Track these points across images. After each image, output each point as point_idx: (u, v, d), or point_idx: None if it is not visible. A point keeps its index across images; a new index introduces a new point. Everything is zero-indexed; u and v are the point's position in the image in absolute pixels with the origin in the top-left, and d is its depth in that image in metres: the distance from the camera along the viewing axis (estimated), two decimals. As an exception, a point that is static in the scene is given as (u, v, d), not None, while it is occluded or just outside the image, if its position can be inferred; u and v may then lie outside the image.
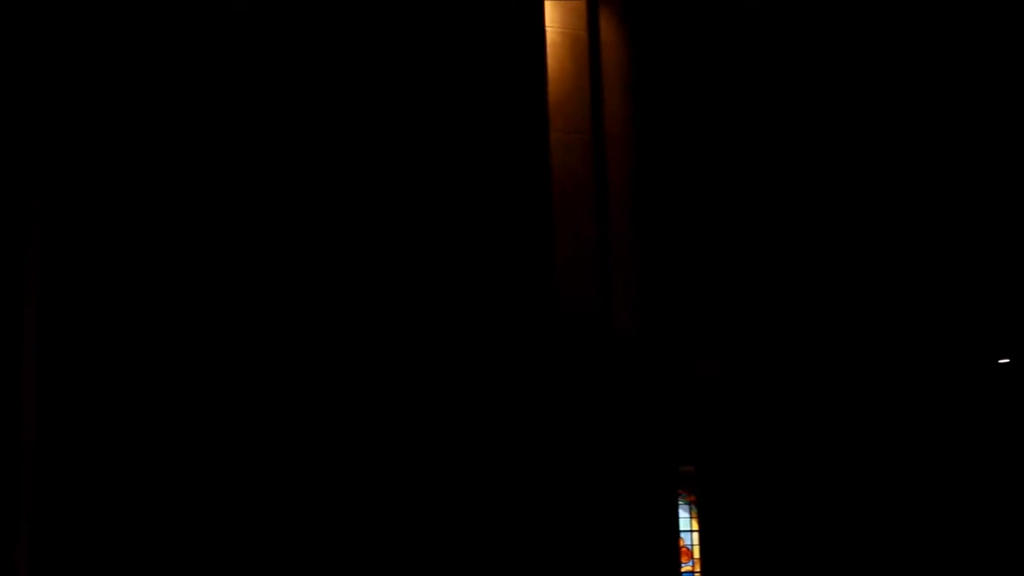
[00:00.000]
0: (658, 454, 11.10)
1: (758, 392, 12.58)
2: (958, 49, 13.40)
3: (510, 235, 10.69)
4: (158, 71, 10.12)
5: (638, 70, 12.02)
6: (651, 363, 11.28)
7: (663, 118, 12.45)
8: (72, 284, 9.61)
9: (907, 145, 13.23)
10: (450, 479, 10.16)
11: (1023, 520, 13.04)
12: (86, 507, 9.42)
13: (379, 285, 10.34)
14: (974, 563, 12.93)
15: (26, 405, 9.16)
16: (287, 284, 10.06)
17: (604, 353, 11.01)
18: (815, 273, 12.95)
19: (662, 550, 11.24)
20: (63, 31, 9.89)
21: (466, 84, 10.82)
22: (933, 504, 13.05)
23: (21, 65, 9.51)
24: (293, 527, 9.72)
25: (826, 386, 12.80)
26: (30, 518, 9.12)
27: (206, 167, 10.08)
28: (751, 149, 12.89)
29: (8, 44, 9.48)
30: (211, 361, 9.79)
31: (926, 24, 13.35)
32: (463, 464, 10.20)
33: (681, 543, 13.18)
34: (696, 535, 13.44)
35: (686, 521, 13.52)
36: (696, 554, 13.44)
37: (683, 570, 13.08)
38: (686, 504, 13.38)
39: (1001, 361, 13.38)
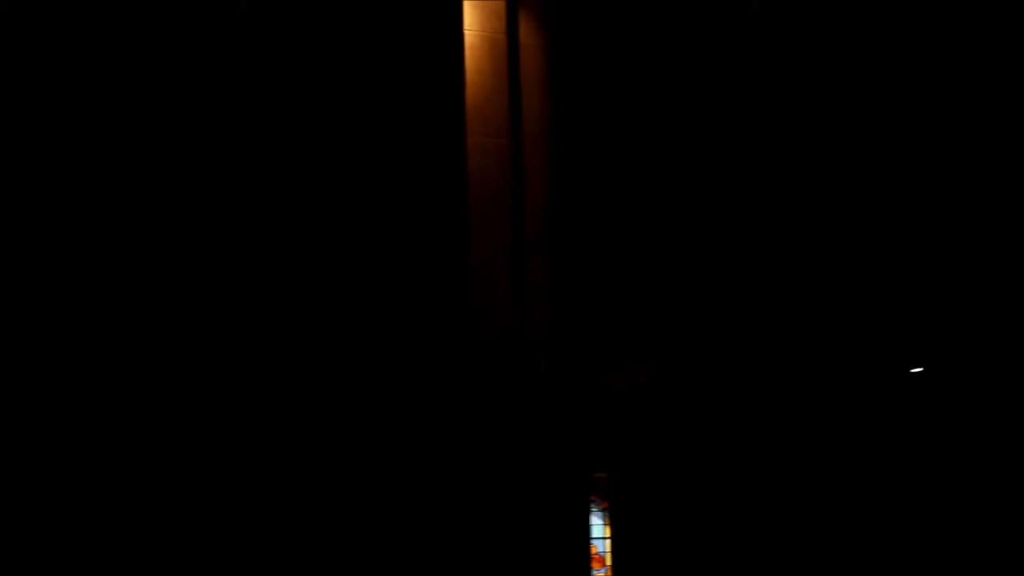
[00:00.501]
0: (570, 461, 11.22)
1: (667, 400, 12.77)
2: (891, 46, 13.66)
3: (425, 239, 10.74)
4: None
5: (557, 74, 12.13)
6: (564, 369, 11.41)
7: (582, 122, 12.58)
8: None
9: (819, 154, 13.47)
10: (356, 488, 10.16)
11: (931, 522, 13.38)
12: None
13: (285, 290, 10.33)
14: (880, 563, 13.25)
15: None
16: (185, 289, 10.03)
17: (518, 358, 11.11)
18: (724, 284, 13.15)
19: (574, 557, 11.36)
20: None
21: (382, 86, 10.81)
22: (838, 507, 13.35)
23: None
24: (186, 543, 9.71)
25: (734, 394, 13.02)
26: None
27: (120, 166, 10.04)
28: (667, 156, 13.07)
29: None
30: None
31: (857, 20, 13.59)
32: (369, 473, 10.22)
33: (594, 550, 13.32)
34: (609, 542, 13.60)
35: (600, 528, 13.65)
36: (608, 561, 13.60)
37: (595, 577, 13.22)
38: (599, 511, 13.53)
39: (913, 370, 13.68)
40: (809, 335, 13.24)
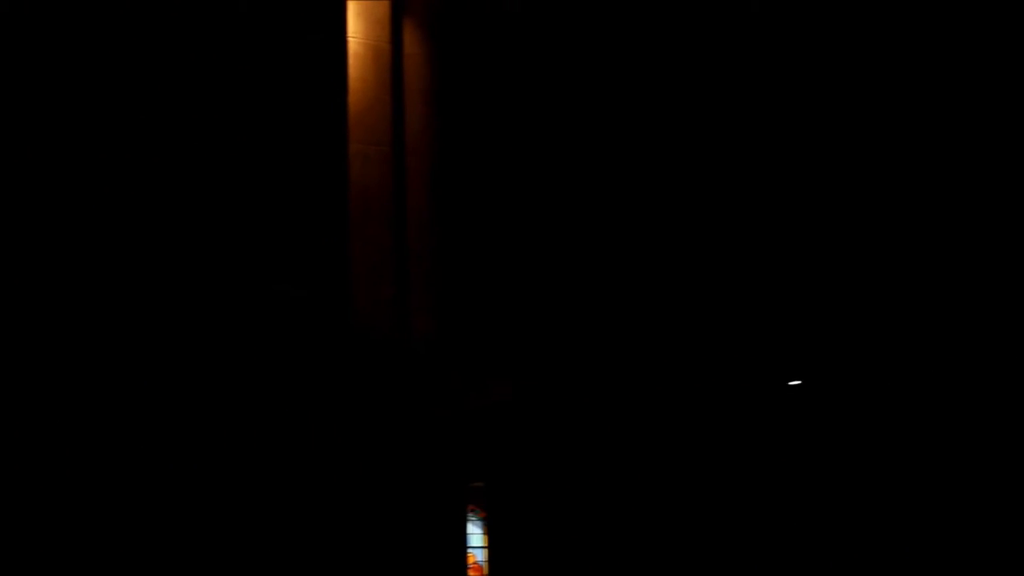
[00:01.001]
0: (448, 469, 11.41)
1: (542, 409, 12.96)
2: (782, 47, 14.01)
3: (305, 246, 10.81)
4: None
5: (441, 83, 12.34)
6: (444, 377, 11.60)
7: (464, 131, 12.77)
8: None
9: (690, 164, 13.73)
10: (231, 497, 10.20)
11: (811, 533, 13.75)
12: None
13: (169, 293, 10.34)
14: (752, 568, 13.60)
15: None
16: (62, 290, 10.03)
17: (399, 366, 11.28)
18: (597, 296, 13.35)
19: (451, 566, 11.53)
20: None
21: (263, 92, 10.85)
22: (715, 516, 13.65)
23: None
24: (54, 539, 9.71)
25: (610, 406, 13.24)
26: None
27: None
28: (549, 170, 13.26)
29: None
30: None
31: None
32: (244, 480, 10.27)
33: (472, 559, 13.51)
34: (487, 551, 13.77)
35: (478, 537, 13.81)
36: (487, 570, 13.76)
37: (473, 586, 13.40)
38: (477, 520, 13.70)
39: (792, 383, 14.01)
40: (684, 349, 13.53)
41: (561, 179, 13.27)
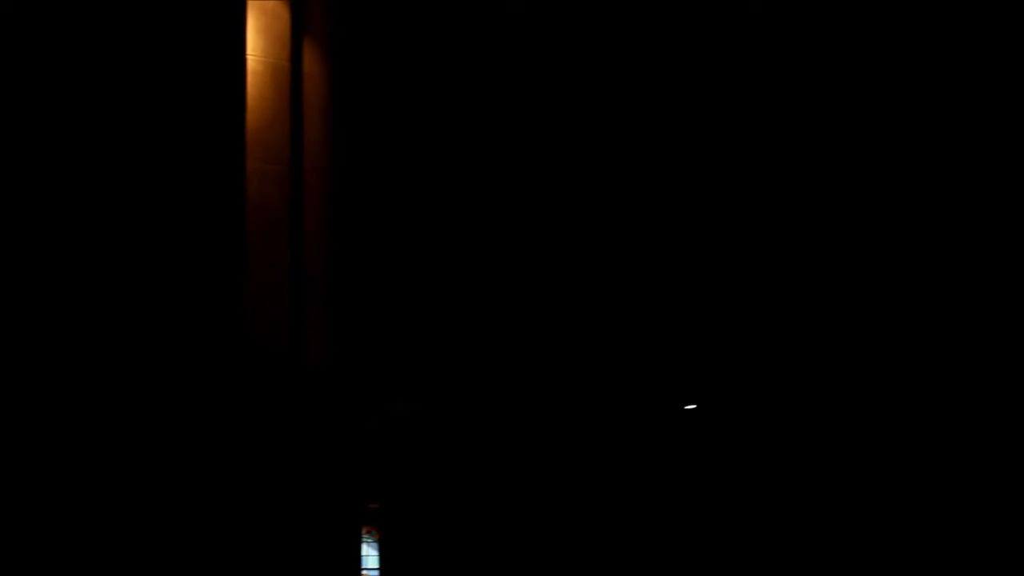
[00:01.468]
0: (342, 491, 11.50)
1: (435, 431, 13.11)
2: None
3: (201, 266, 10.84)
4: None
5: (340, 101, 12.44)
6: (339, 398, 11.69)
7: (363, 150, 12.91)
8: None
9: (587, 207, 13.97)
10: (119, 519, 10.19)
11: (707, 552, 14.05)
12: None
13: (57, 308, 10.31)
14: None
15: None
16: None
17: (295, 386, 11.34)
18: (503, 319, 13.56)
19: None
20: None
21: (160, 109, 10.86)
22: (611, 537, 13.90)
23: None
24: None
25: (508, 427, 13.44)
26: None
27: None
28: (448, 190, 13.44)
29: None
30: None
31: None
32: (134, 504, 10.26)
33: (367, 581, 13.59)
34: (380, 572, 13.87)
35: (373, 558, 13.90)
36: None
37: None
38: (372, 541, 13.78)
39: (688, 407, 14.32)
40: (583, 372, 13.75)
41: (459, 199, 13.44)
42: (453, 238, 13.30)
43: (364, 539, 13.14)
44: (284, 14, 12.05)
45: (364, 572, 13.22)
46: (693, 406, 14.39)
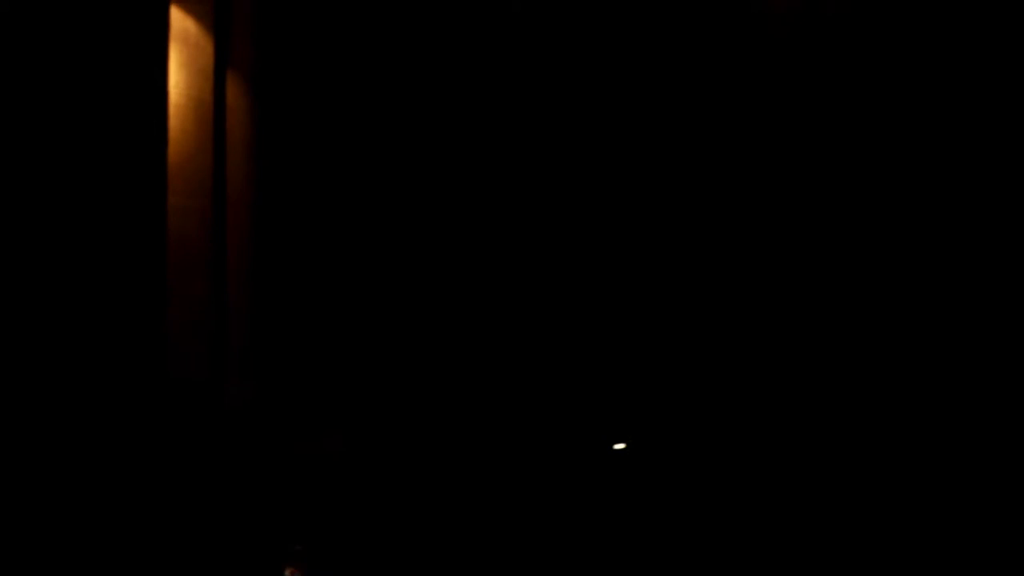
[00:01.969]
0: (265, 531, 11.46)
1: (362, 469, 13.08)
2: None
3: (121, 301, 10.82)
4: None
5: (262, 135, 12.50)
6: (261, 433, 11.70)
7: (286, 184, 12.92)
8: None
9: (512, 224, 14.03)
10: (41, 551, 10.13)
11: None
12: None
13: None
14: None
15: None
16: None
17: (214, 421, 11.34)
18: (429, 353, 13.56)
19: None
20: None
21: (82, 145, 10.83)
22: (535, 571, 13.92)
23: None
24: None
25: (435, 464, 13.43)
26: None
27: None
28: (370, 225, 13.46)
29: None
30: None
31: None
32: (57, 530, 10.20)
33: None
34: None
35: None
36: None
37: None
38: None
39: (617, 447, 14.39)
40: (511, 409, 13.79)
41: (381, 234, 13.49)
42: (377, 270, 13.35)
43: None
44: (207, 48, 12.12)
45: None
46: (622, 445, 14.46)
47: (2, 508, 10.00)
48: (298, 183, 13.04)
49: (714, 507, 14.27)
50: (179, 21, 11.78)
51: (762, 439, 14.50)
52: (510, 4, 14.09)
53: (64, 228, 10.69)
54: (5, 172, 10.57)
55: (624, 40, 14.68)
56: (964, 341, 14.36)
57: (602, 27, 14.63)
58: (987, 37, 15.08)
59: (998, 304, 14.53)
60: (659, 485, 14.29)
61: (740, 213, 14.73)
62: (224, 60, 12.21)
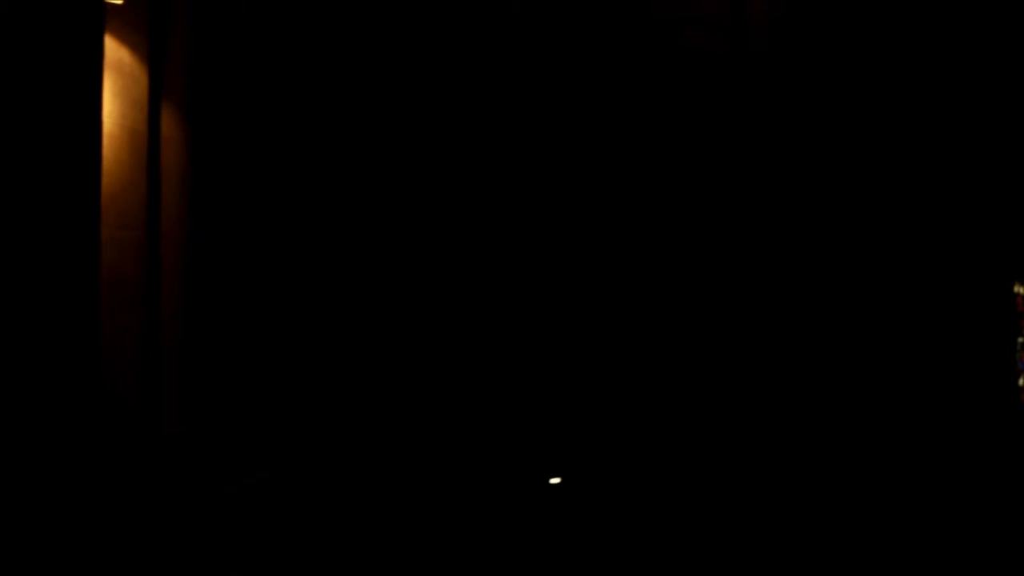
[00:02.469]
0: (198, 569, 11.47)
1: (296, 505, 13.12)
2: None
3: (53, 335, 10.80)
4: None
5: (198, 166, 12.54)
6: (194, 470, 11.69)
7: (222, 216, 12.95)
8: None
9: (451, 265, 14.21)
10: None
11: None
12: None
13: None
14: None
15: None
16: None
17: (146, 457, 11.32)
18: (362, 386, 13.64)
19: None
20: None
21: (10, 175, 10.83)
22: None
23: None
24: None
25: (369, 502, 13.50)
26: None
27: None
28: (306, 258, 13.53)
29: None
30: None
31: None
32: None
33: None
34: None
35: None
36: None
37: None
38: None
39: (552, 481, 14.50)
40: (444, 445, 13.88)
41: (317, 268, 13.56)
42: (312, 305, 13.41)
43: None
44: (142, 77, 12.17)
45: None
46: (557, 480, 14.57)
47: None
48: (233, 215, 13.08)
49: (652, 542, 14.44)
50: (113, 51, 11.82)
51: (700, 474, 14.71)
52: (427, 49, 14.26)
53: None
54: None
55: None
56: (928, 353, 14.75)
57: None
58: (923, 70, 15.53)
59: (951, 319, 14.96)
60: (597, 521, 14.42)
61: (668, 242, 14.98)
62: (159, 90, 12.25)
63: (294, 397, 13.10)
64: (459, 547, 13.86)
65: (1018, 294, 18.03)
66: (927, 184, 15.32)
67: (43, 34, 11.12)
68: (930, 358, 15.05)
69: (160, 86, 12.25)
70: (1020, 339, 17.77)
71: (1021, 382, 17.74)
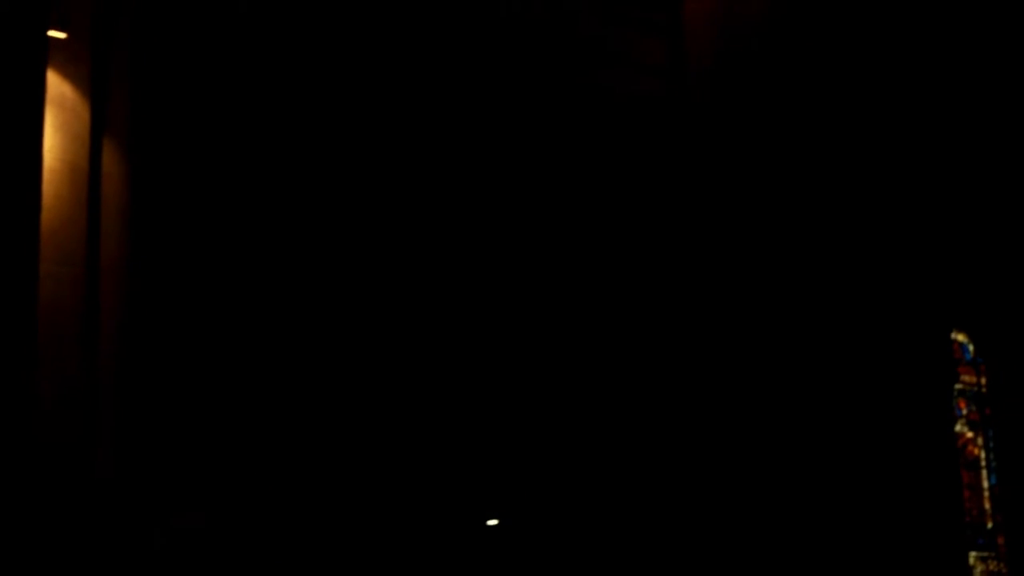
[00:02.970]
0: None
1: (225, 544, 13.06)
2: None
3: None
4: None
5: (138, 202, 12.59)
6: (127, 509, 11.69)
7: (162, 253, 12.99)
8: None
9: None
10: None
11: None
12: None
13: None
14: None
15: None
16: None
17: (80, 495, 11.31)
18: (298, 428, 13.63)
19: None
20: None
21: None
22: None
23: None
24: None
25: (304, 548, 13.47)
26: None
27: None
28: (243, 298, 13.56)
29: None
30: None
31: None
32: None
33: None
34: None
35: None
36: None
37: None
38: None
39: (490, 523, 14.58)
40: (379, 488, 13.89)
41: (256, 306, 13.60)
42: (250, 342, 13.47)
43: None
44: (84, 113, 12.22)
45: None
46: (495, 521, 14.67)
47: None
48: (174, 251, 13.13)
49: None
50: (55, 85, 11.84)
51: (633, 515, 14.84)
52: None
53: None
54: None
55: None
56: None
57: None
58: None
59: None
60: (533, 564, 14.48)
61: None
62: (101, 126, 12.30)
63: (229, 438, 13.10)
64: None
65: (955, 341, 18.39)
66: (864, 232, 15.60)
67: (-15, 68, 11.11)
68: (868, 404, 15.26)
69: (102, 121, 12.30)
70: (957, 386, 18.08)
71: (957, 428, 18.06)
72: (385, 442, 13.91)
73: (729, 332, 15.24)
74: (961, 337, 18.49)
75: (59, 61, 11.94)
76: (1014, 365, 18.09)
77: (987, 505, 18.18)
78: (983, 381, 18.52)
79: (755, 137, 15.52)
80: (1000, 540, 18.11)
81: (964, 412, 18.28)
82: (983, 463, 18.34)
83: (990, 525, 18.10)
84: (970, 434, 18.33)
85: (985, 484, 18.27)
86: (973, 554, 17.74)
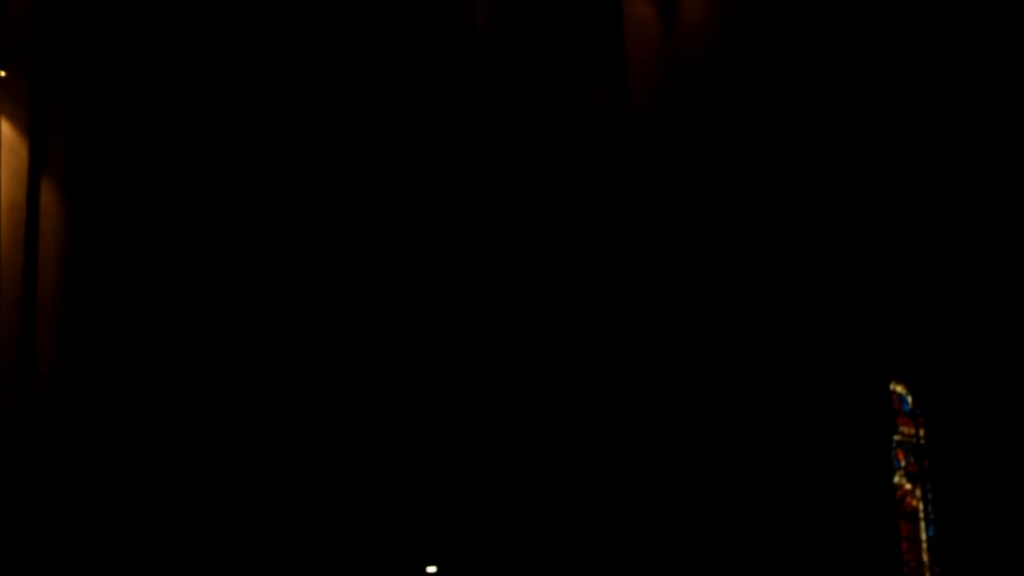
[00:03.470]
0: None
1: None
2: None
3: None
4: None
5: (77, 241, 12.61)
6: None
7: (99, 290, 12.97)
8: None
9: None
10: None
11: None
12: None
13: None
14: None
15: None
16: None
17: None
18: (239, 458, 13.60)
19: None
20: None
21: None
22: None
23: None
24: None
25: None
26: None
27: None
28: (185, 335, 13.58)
29: None
30: None
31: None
32: None
33: None
34: None
35: None
36: None
37: None
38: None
39: (429, 570, 14.59)
40: (327, 535, 13.85)
41: (196, 345, 13.61)
42: (192, 384, 13.48)
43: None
44: (22, 151, 12.29)
45: None
46: (434, 569, 14.70)
47: None
48: (112, 289, 13.12)
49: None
50: (-6, 124, 11.95)
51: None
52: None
53: None
54: None
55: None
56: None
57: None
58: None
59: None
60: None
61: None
62: (40, 165, 12.36)
63: (164, 475, 13.06)
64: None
65: (894, 392, 18.52)
66: (801, 283, 15.72)
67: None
68: (807, 455, 15.36)
69: (41, 160, 12.36)
70: (896, 437, 18.20)
71: (896, 479, 18.17)
72: (320, 491, 13.89)
73: (663, 368, 15.28)
74: (900, 388, 18.55)
75: (-2, 99, 12.05)
76: (952, 417, 18.18)
77: (925, 557, 18.15)
78: (922, 433, 18.57)
79: (699, 161, 15.59)
80: (938, 592, 18.17)
81: (902, 463, 18.30)
82: (921, 515, 18.35)
83: (928, 577, 18.15)
84: (908, 486, 18.34)
85: (923, 536, 18.25)
86: (911, 606, 17.78)
